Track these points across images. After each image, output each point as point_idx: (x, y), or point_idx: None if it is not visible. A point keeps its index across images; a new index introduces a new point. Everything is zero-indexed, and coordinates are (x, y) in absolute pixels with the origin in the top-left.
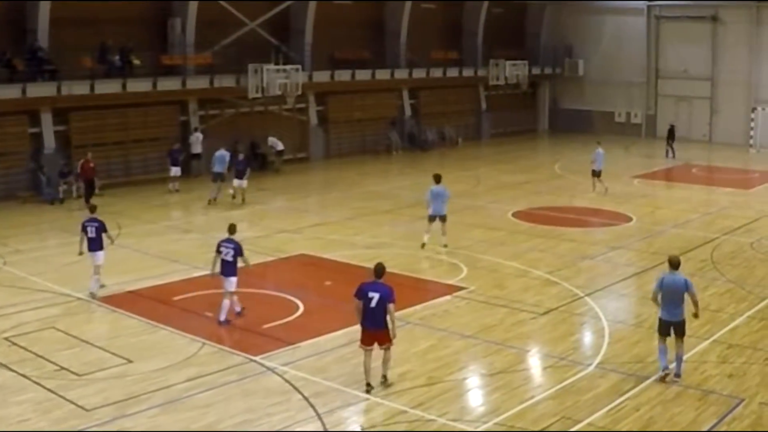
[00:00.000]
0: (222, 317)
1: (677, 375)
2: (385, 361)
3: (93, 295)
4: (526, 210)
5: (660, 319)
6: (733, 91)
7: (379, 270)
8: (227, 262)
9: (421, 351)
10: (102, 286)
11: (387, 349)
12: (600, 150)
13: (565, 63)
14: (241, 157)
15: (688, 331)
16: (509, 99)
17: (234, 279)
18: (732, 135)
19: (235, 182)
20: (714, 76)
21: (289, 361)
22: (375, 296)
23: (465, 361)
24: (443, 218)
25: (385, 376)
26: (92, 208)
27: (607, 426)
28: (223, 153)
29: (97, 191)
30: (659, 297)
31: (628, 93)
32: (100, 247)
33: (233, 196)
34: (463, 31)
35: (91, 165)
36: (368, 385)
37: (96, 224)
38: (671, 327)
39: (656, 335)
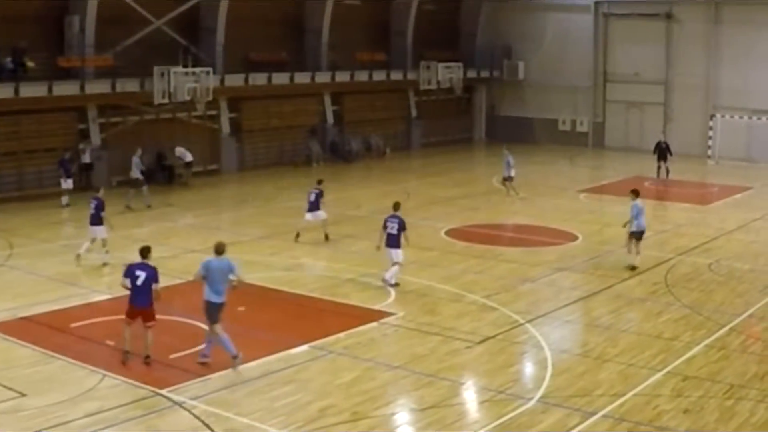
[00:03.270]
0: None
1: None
2: (148, 341)
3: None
4: (461, 228)
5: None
6: (690, 97)
7: (144, 251)
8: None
9: (344, 383)
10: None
11: (150, 327)
12: (509, 156)
13: (504, 65)
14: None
15: (639, 362)
16: (442, 105)
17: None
18: (688, 145)
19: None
20: (668, 80)
21: (199, 395)
22: (141, 275)
23: (393, 395)
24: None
25: (148, 356)
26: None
27: None
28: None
29: None
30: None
31: (573, 99)
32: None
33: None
34: (391, 30)
35: None
36: (126, 353)
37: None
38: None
39: (598, 366)
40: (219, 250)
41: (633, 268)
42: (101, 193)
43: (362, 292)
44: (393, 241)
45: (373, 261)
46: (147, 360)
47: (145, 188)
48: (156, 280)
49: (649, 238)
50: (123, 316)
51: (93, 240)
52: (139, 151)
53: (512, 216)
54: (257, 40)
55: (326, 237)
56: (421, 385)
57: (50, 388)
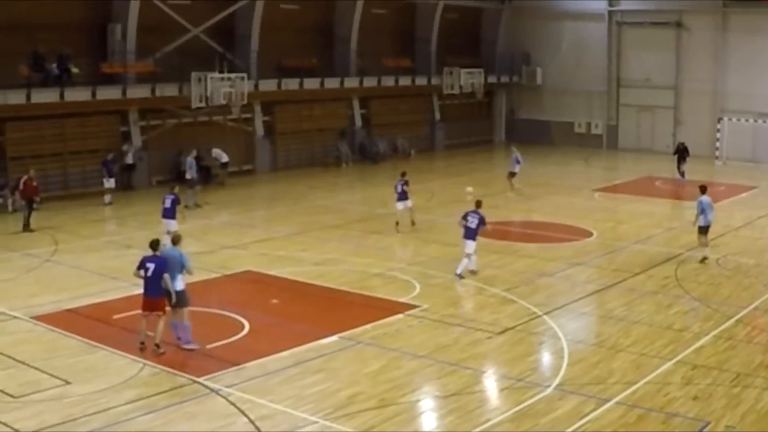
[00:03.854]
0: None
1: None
2: (158, 329)
3: None
4: None
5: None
6: (698, 101)
7: (154, 244)
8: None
9: (372, 372)
10: None
11: (160, 317)
12: (516, 154)
13: (523, 71)
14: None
15: (651, 352)
16: (464, 109)
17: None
18: (697, 146)
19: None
20: (678, 85)
21: (234, 383)
22: (151, 267)
23: (418, 383)
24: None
25: (158, 345)
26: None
27: None
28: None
29: (35, 205)
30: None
31: (588, 102)
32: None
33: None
34: (416, 37)
35: (34, 184)
36: (142, 343)
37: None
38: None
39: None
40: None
41: (703, 259)
42: (177, 190)
43: (388, 286)
44: (470, 234)
45: (398, 256)
46: (157, 349)
47: (198, 188)
48: (166, 270)
49: (660, 235)
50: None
51: (168, 232)
52: (194, 152)
53: (530, 214)
54: (289, 47)
55: (413, 223)
56: (445, 373)
57: (93, 377)
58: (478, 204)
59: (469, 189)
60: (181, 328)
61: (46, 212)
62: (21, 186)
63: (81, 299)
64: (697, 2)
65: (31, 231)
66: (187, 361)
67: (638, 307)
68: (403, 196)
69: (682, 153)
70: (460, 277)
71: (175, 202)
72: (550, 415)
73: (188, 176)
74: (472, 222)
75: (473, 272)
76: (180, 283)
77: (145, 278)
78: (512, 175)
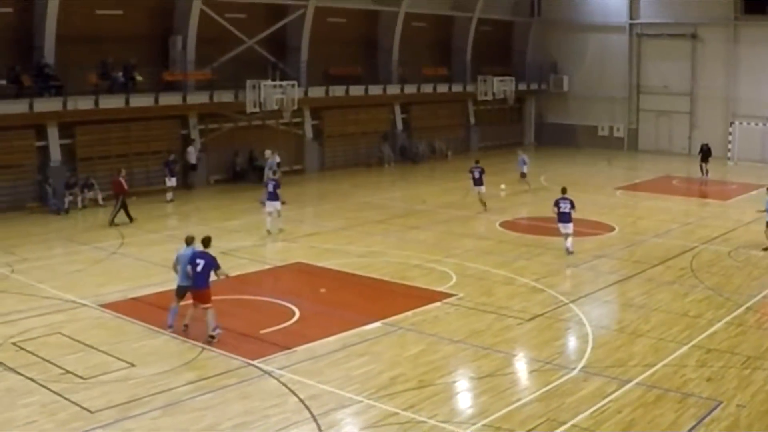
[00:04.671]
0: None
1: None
2: (208, 320)
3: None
4: (513, 220)
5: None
6: (712, 106)
7: (206, 241)
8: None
9: (412, 355)
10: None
11: (207, 309)
12: (522, 156)
13: (550, 79)
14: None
15: (668, 337)
16: (496, 113)
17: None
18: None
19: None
20: (693, 92)
21: (286, 365)
22: (201, 263)
23: (454, 365)
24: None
25: (211, 335)
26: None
27: (591, 427)
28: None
29: (126, 201)
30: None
31: (610, 108)
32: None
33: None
34: (453, 48)
35: (122, 182)
36: (186, 326)
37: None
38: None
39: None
40: (189, 242)
41: (766, 249)
42: (278, 176)
43: (427, 276)
44: (565, 218)
45: (436, 249)
46: (211, 339)
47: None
48: (215, 267)
49: (676, 230)
50: (220, 297)
51: (270, 213)
52: (277, 158)
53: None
54: (336, 57)
55: (485, 206)
56: (479, 356)
57: (156, 360)
58: (564, 190)
59: (503, 186)
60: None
61: (111, 208)
62: (111, 184)
63: (145, 288)
64: (711, 16)
65: (116, 225)
66: (242, 345)
67: (656, 296)
68: (479, 182)
69: (705, 153)
70: (571, 252)
71: (277, 186)
72: (576, 395)
73: (273, 176)
74: (564, 207)
75: (570, 252)
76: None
77: (195, 273)
78: (523, 175)
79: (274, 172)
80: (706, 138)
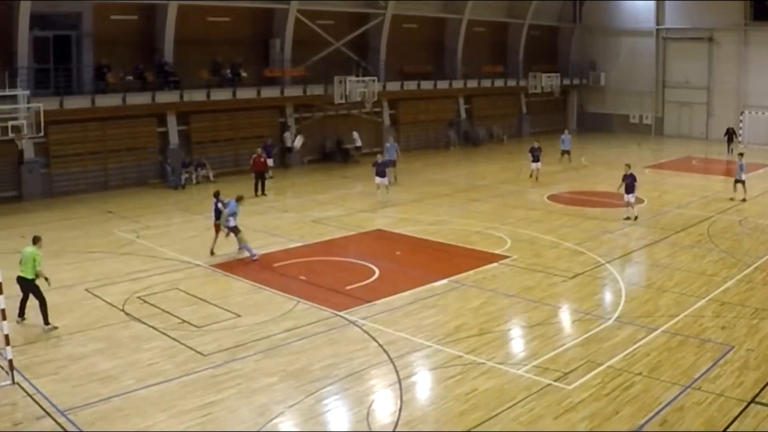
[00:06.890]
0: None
1: None
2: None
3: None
4: (559, 194)
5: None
6: (725, 98)
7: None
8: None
9: (473, 308)
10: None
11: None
12: (565, 135)
13: (590, 75)
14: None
15: (689, 292)
16: (544, 104)
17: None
18: (724, 133)
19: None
20: (710, 86)
21: (367, 316)
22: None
23: (509, 316)
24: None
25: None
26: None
27: (624, 368)
28: (391, 144)
29: (267, 176)
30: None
31: (640, 100)
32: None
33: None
34: (508, 49)
35: (262, 159)
36: (212, 252)
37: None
38: None
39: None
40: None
41: None
42: (385, 157)
43: (486, 241)
44: (630, 189)
45: (494, 218)
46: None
47: (394, 168)
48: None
49: (695, 202)
50: (312, 258)
51: (378, 186)
52: (397, 145)
53: (596, 185)
54: (410, 57)
55: (537, 179)
56: (530, 308)
57: (258, 311)
58: (628, 166)
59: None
60: (246, 248)
61: (221, 184)
62: (251, 162)
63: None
64: (725, 22)
65: (265, 195)
66: (330, 299)
67: (679, 257)
68: (536, 159)
69: (731, 135)
70: (628, 218)
71: (386, 164)
72: (611, 341)
73: (390, 158)
74: (630, 181)
75: (635, 218)
76: (233, 222)
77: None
78: (564, 153)
79: (392, 164)
80: (721, 125)
